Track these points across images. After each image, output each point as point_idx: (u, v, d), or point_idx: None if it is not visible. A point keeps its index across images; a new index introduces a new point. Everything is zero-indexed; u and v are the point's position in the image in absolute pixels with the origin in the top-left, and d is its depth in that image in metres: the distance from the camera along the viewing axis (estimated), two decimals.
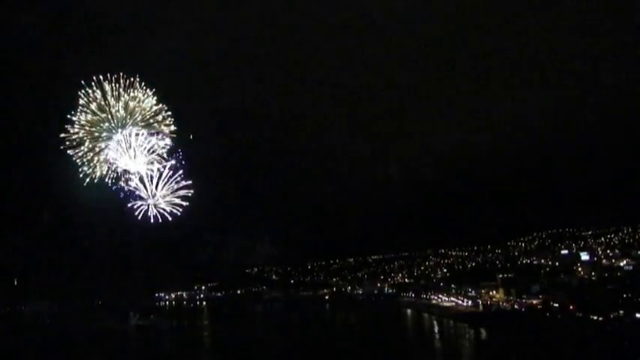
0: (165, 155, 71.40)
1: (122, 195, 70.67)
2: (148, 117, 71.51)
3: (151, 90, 71.84)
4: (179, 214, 72.21)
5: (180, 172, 71.68)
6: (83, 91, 71.09)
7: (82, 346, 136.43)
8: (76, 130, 70.32)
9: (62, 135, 70.82)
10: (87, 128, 70.04)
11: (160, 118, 72.93)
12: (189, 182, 72.27)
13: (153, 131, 71.42)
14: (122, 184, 69.96)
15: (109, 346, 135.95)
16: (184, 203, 72.72)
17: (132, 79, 71.35)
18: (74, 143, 70.44)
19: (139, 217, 70.78)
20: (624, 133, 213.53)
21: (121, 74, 70.40)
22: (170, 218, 72.01)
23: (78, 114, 70.66)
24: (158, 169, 70.04)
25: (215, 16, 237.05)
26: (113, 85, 70.30)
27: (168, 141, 72.41)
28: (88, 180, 70.43)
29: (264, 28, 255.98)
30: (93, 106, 70.14)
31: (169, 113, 73.14)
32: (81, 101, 70.43)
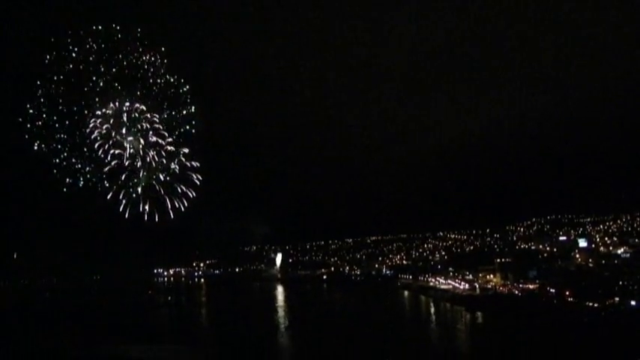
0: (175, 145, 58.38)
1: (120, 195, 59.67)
2: (156, 91, 53.45)
3: (160, 54, 52.83)
4: (182, 208, 64.33)
5: (184, 151, 61.91)
6: (54, 52, 48.12)
7: (80, 320, 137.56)
8: (44, 109, 48.64)
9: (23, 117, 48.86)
10: (60, 108, 49.34)
11: (171, 93, 54.60)
12: (197, 165, 63.13)
13: (165, 114, 55.03)
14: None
15: (105, 321, 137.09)
16: (190, 193, 64.41)
17: (130, 37, 50.61)
18: (43, 131, 49.80)
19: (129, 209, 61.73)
20: (625, 122, 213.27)
21: (115, 27, 48.72)
22: (170, 208, 64.79)
23: (44, 86, 48.32)
24: (155, 149, 58.63)
25: None
26: (100, 42, 48.76)
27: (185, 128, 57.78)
28: (67, 185, 54.93)
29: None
30: (67, 71, 48.74)
31: (187, 87, 55.74)
32: (50, 66, 48.46)
